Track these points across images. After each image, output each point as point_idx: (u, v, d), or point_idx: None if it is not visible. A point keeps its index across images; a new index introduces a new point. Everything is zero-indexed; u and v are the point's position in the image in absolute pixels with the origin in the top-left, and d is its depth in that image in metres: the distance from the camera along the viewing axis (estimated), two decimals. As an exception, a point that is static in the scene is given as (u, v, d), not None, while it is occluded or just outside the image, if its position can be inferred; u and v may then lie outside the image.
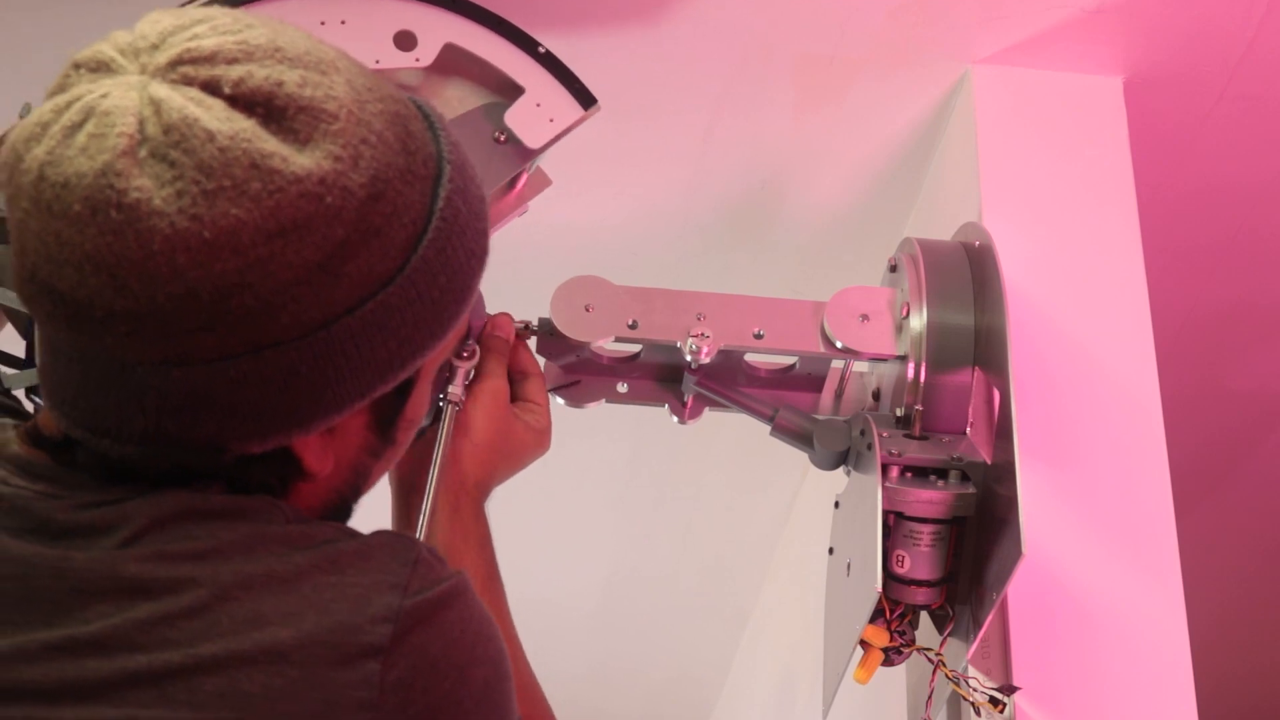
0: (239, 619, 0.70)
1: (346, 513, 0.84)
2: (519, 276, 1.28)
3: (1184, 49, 1.41)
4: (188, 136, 0.67)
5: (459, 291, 0.77)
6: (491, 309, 1.19)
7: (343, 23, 1.14)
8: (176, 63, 0.69)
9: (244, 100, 0.69)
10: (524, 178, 1.24)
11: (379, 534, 0.78)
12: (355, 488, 0.83)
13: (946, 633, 1.11)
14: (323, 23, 1.14)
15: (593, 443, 1.95)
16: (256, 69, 0.69)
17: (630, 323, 1.18)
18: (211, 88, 0.69)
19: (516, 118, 1.16)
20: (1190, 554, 1.22)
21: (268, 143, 0.68)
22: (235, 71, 0.69)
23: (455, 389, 1.05)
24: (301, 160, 0.69)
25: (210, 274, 0.68)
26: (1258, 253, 1.67)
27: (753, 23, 1.40)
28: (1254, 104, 1.47)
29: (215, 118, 0.68)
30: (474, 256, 0.78)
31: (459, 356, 1.13)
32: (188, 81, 0.69)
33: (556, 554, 2.25)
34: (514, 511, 2.18)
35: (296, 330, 0.70)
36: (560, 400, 1.24)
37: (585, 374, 1.24)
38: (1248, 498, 2.08)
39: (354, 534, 0.77)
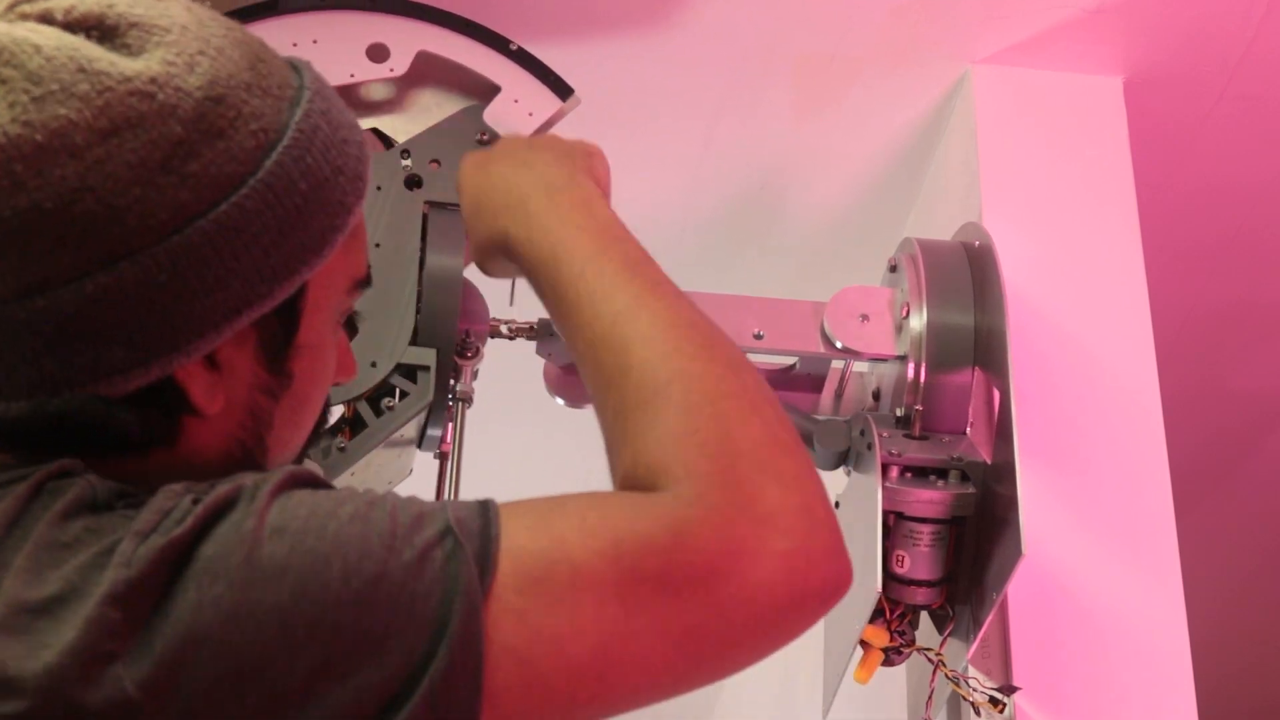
0: None
1: (250, 466, 0.80)
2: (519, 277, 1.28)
3: (1184, 49, 1.41)
4: (17, 54, 0.69)
5: (328, 205, 0.77)
6: (493, 309, 1.19)
7: (315, 42, 1.16)
8: (14, 5, 0.72)
9: (76, 24, 0.71)
10: None
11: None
12: (256, 434, 0.79)
13: (946, 633, 1.11)
14: (295, 44, 1.15)
15: (592, 443, 1.95)
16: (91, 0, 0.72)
17: (630, 323, 1.18)
18: (45, 18, 0.71)
19: (496, 115, 1.17)
20: (1190, 554, 1.22)
21: (95, 50, 0.70)
22: (67, 2, 0.72)
23: (464, 386, 1.05)
24: (131, 64, 0.71)
25: (50, 181, 0.68)
26: (1258, 253, 1.67)
27: (752, 24, 1.40)
28: (1254, 104, 1.47)
29: (44, 38, 0.70)
30: (343, 174, 0.78)
31: (462, 355, 1.13)
32: (23, 17, 0.71)
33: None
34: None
35: (148, 236, 0.70)
36: (560, 401, 1.24)
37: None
38: (1248, 498, 2.08)
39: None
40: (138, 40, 0.72)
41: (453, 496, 0.96)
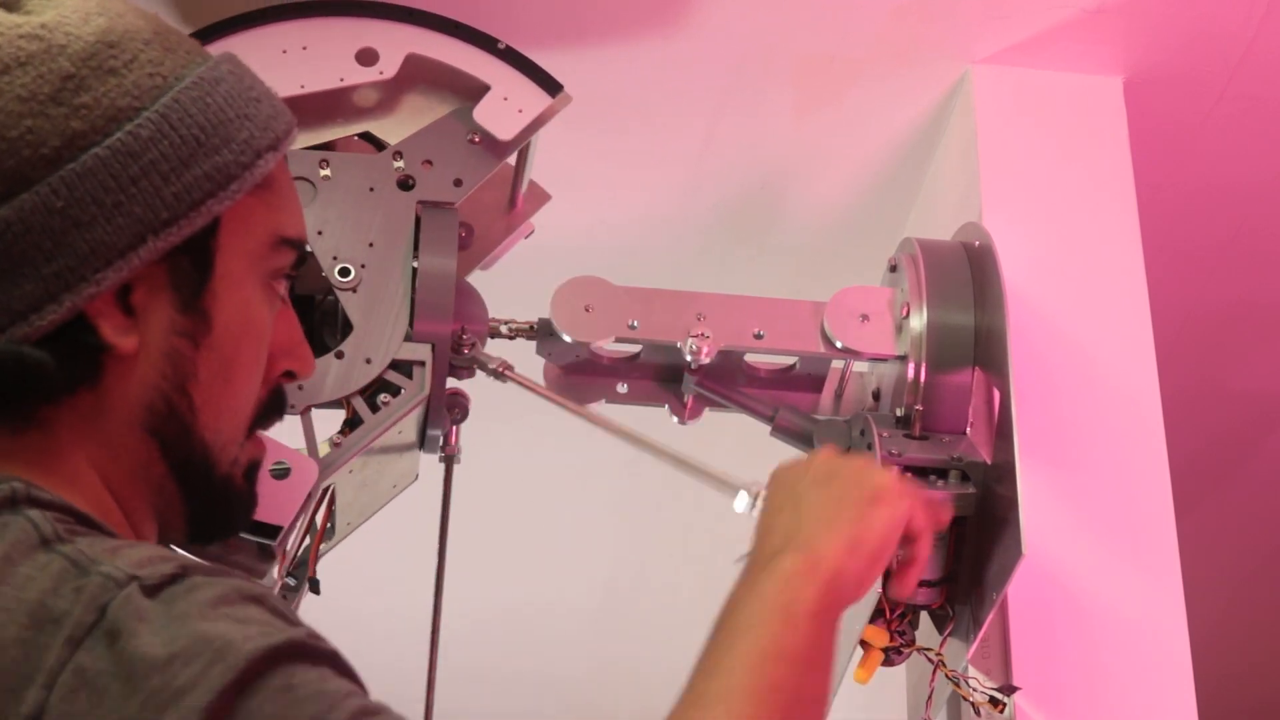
0: None
1: (179, 424, 0.79)
2: (519, 277, 1.28)
3: (1184, 49, 1.41)
4: None
5: (232, 143, 0.79)
6: (493, 309, 1.19)
7: (304, 48, 1.17)
8: None
9: None
10: (521, 195, 1.25)
11: (104, 565, 0.68)
12: (179, 386, 0.79)
13: (946, 633, 1.11)
14: (284, 51, 1.16)
15: (593, 444, 1.95)
16: None
17: (630, 323, 1.18)
18: None
19: (485, 113, 1.17)
20: (1190, 554, 1.22)
21: None
22: None
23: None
24: (24, 16, 0.76)
25: None
26: (1258, 253, 1.67)
27: (752, 24, 1.40)
28: (1254, 104, 1.47)
29: None
30: (250, 120, 0.81)
31: (458, 351, 1.14)
32: None
33: (558, 557, 2.25)
34: (516, 515, 2.18)
35: (42, 166, 0.73)
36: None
37: (585, 374, 1.24)
38: (1248, 498, 2.08)
39: (85, 568, 0.67)
40: (38, 6, 0.77)
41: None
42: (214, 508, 0.84)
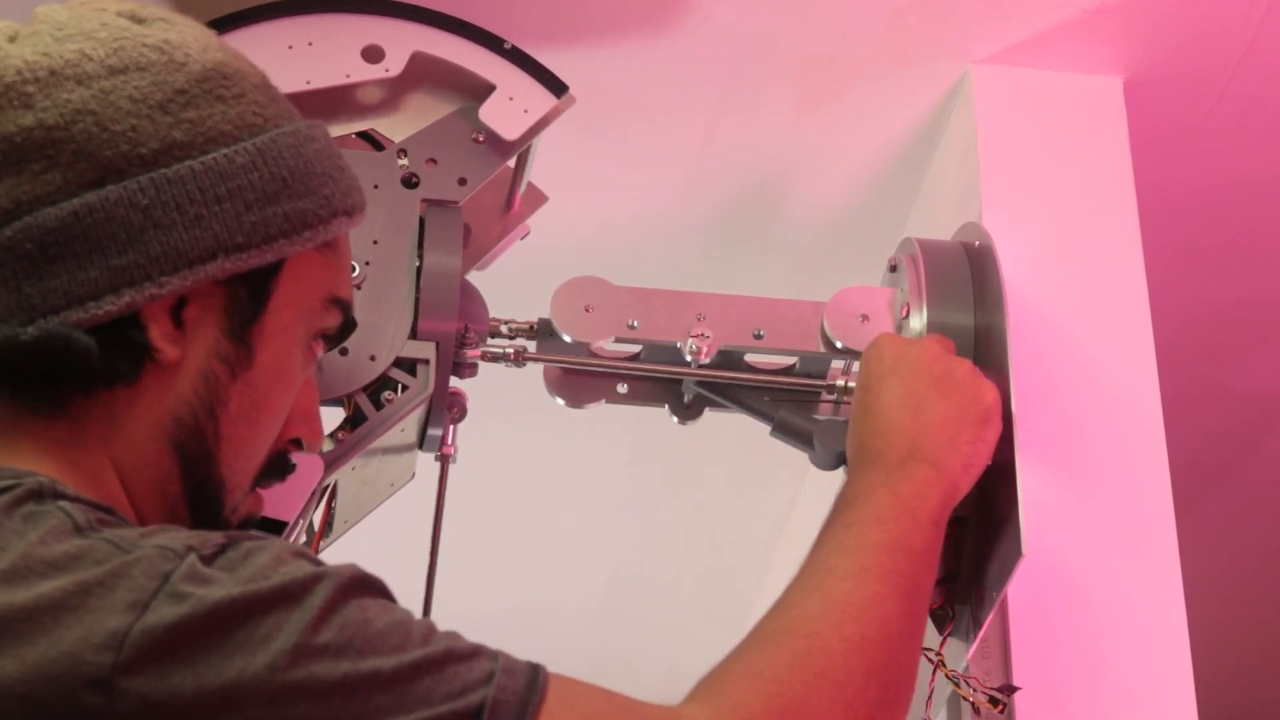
0: None
1: (203, 446, 0.80)
2: (519, 277, 1.28)
3: (1184, 49, 1.41)
4: (49, 14, 0.80)
5: (315, 195, 0.82)
6: (492, 308, 1.19)
7: (310, 44, 1.17)
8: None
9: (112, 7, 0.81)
10: (519, 196, 1.25)
11: (153, 538, 0.69)
12: (208, 407, 0.80)
13: (946, 633, 1.11)
14: (290, 46, 1.17)
15: (593, 444, 1.95)
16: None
17: (630, 323, 1.18)
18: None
19: (490, 113, 1.17)
20: (1190, 554, 1.22)
21: (123, 21, 0.80)
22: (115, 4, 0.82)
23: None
24: (150, 28, 0.80)
25: (56, 103, 0.75)
26: (1258, 253, 1.67)
27: (752, 24, 1.40)
28: (1254, 104, 1.47)
29: (75, 5, 0.81)
30: (334, 181, 0.84)
31: (462, 348, 1.14)
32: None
33: (558, 555, 2.25)
34: (516, 513, 2.18)
35: (136, 163, 0.76)
36: (560, 401, 1.24)
37: (585, 374, 1.24)
38: (1248, 498, 2.08)
39: (127, 548, 0.68)
40: (164, 27, 0.81)
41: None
42: None
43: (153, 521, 0.81)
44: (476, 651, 0.70)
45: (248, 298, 0.81)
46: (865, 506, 0.92)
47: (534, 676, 0.70)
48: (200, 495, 0.82)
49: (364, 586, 0.70)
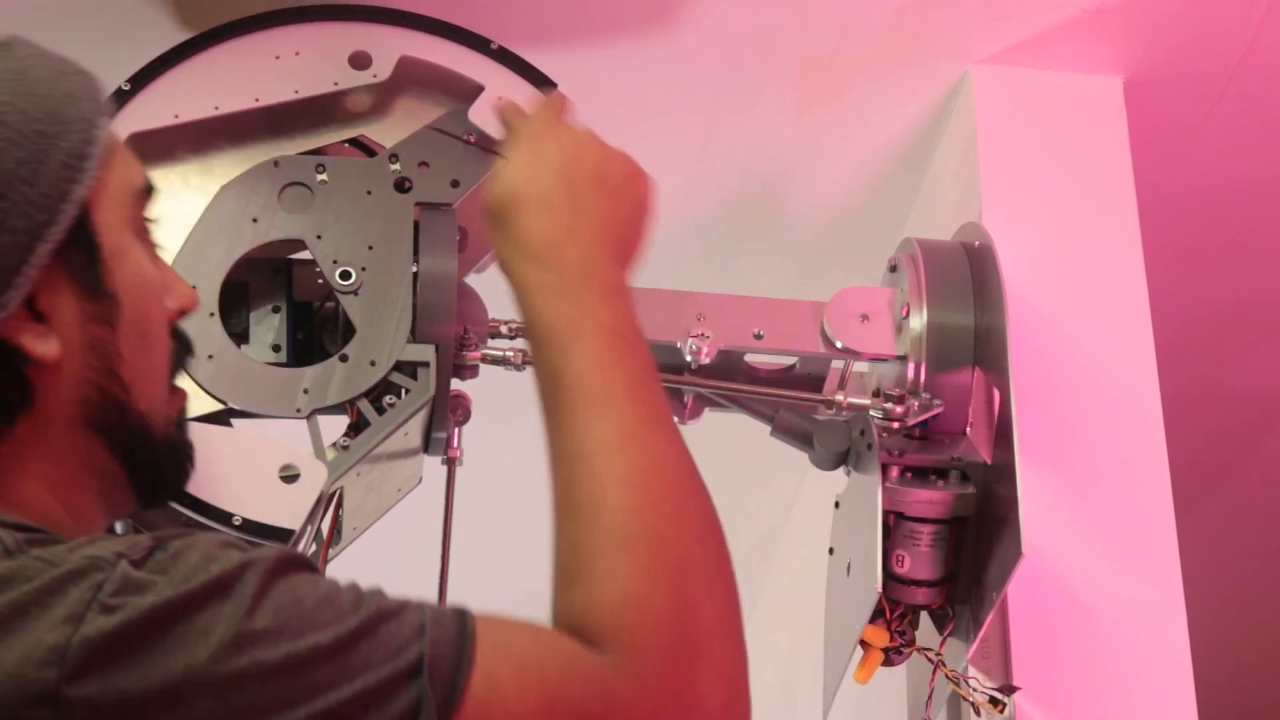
0: None
1: (116, 408, 0.80)
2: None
3: (1184, 49, 1.41)
4: None
5: (72, 123, 0.78)
6: (492, 309, 1.19)
7: (297, 54, 1.17)
8: None
9: None
10: None
11: (82, 550, 0.69)
12: (108, 371, 0.79)
13: (946, 633, 1.11)
14: (278, 57, 1.16)
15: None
16: None
17: (630, 323, 1.18)
18: None
19: (481, 114, 1.17)
20: (1190, 554, 1.22)
21: None
22: None
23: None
24: None
25: None
26: (1258, 253, 1.67)
27: (752, 24, 1.40)
28: (1254, 104, 1.47)
29: None
30: (74, 96, 0.79)
31: (462, 350, 1.14)
32: None
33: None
34: (515, 512, 2.18)
35: None
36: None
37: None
38: (1248, 498, 2.08)
39: (57, 562, 0.68)
40: None
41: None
42: (160, 470, 0.85)
43: (89, 504, 0.81)
44: (404, 606, 0.71)
45: (80, 252, 0.78)
46: (579, 344, 0.81)
47: (462, 622, 0.71)
48: (128, 447, 0.81)
49: (289, 565, 0.70)
